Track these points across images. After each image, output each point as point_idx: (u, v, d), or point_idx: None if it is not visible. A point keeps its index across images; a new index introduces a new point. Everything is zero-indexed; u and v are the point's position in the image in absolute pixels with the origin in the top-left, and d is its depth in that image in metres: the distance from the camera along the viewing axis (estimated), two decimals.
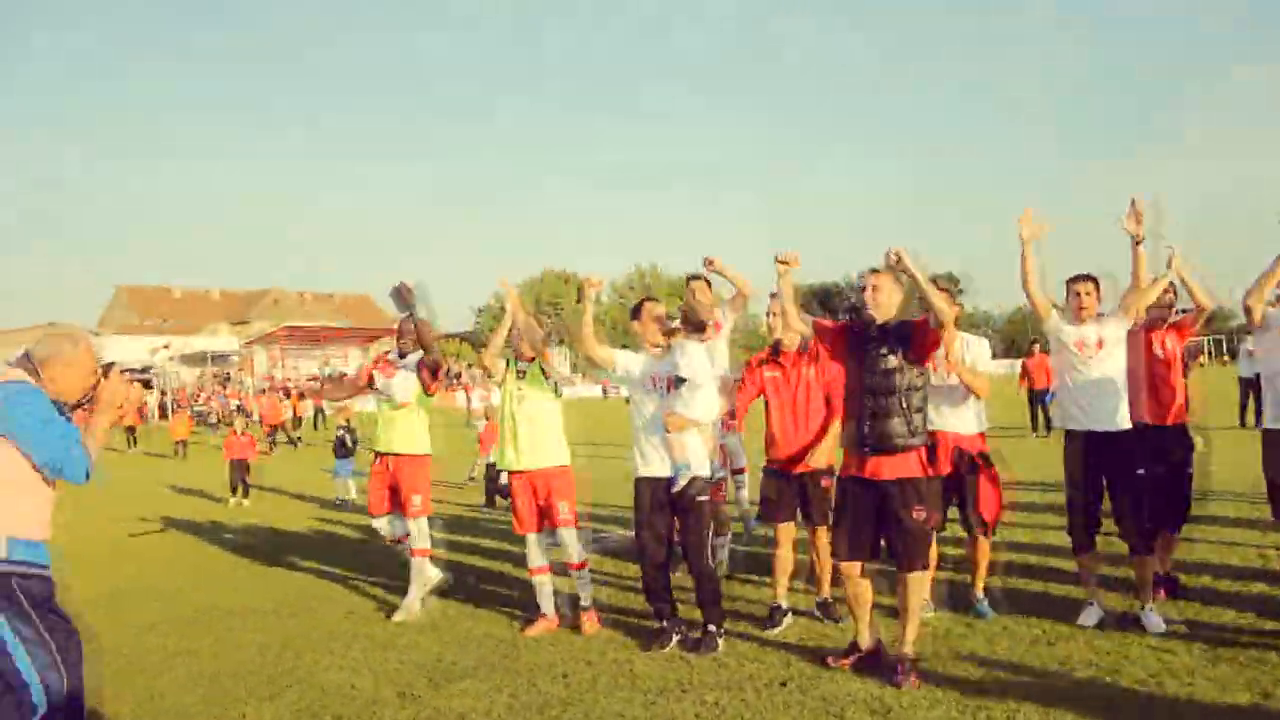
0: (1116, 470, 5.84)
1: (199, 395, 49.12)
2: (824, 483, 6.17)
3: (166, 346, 55.85)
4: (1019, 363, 24.40)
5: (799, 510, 6.33)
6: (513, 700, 5.03)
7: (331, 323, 69.43)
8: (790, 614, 6.25)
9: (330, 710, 5.05)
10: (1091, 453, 5.87)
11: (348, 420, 16.51)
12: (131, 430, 35.26)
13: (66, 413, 3.94)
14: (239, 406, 38.17)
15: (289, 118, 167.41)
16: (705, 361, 5.96)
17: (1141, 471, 5.83)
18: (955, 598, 6.38)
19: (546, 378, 6.60)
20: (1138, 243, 5.68)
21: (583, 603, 6.44)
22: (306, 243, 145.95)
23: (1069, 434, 6.01)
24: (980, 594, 6.23)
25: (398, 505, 7.26)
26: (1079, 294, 5.92)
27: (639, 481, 6.03)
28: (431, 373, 7.20)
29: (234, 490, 16.06)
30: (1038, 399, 19.67)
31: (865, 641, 5.29)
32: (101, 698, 5.46)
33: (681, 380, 5.85)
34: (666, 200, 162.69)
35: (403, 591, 7.23)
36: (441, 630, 6.53)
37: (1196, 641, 5.37)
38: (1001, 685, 4.85)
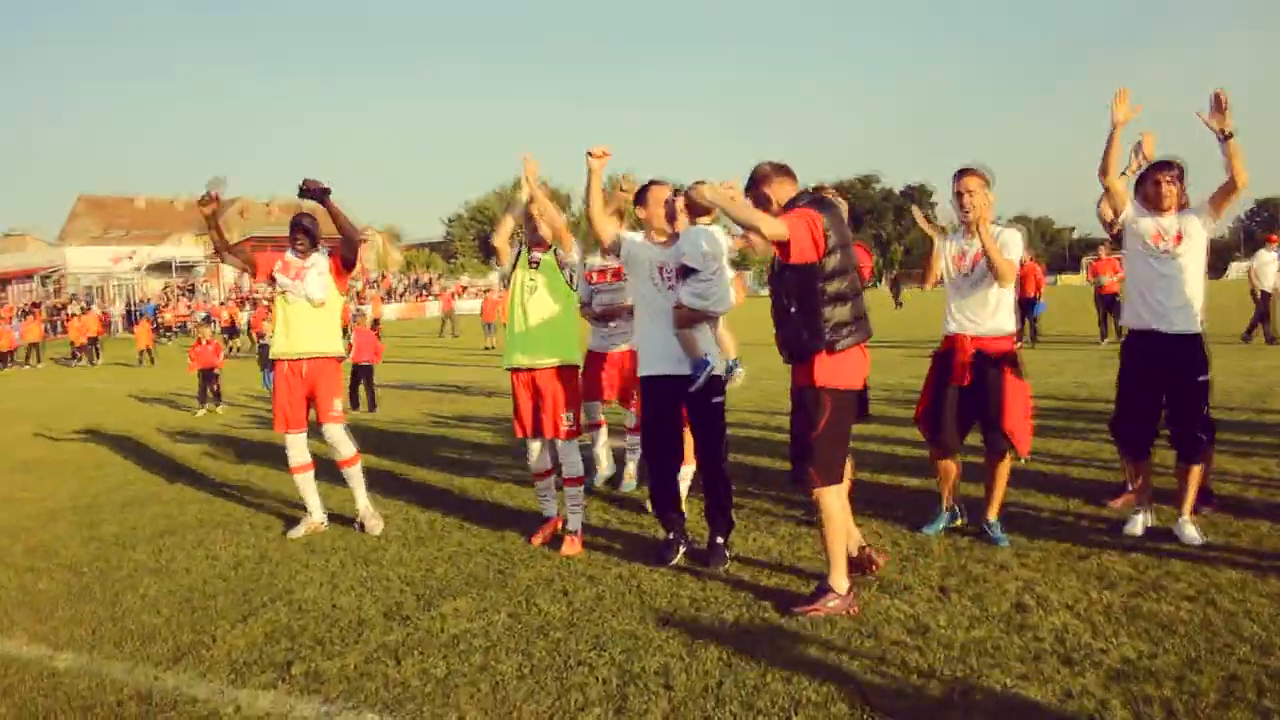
0: (1181, 375, 5.42)
1: (165, 306, 48.06)
2: None
3: (131, 256, 54.53)
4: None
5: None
6: (512, 621, 4.62)
7: (273, 232, 68.03)
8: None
9: (310, 631, 4.63)
10: (1157, 355, 5.45)
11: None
12: (94, 341, 34.49)
13: None
14: (206, 316, 37.34)
15: (256, 26, 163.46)
16: (718, 247, 5.42)
17: (1205, 378, 5.41)
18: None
19: (562, 267, 6.00)
20: (1228, 137, 5.13)
21: (570, 525, 5.98)
22: (271, 151, 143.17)
23: (1133, 334, 5.59)
24: (994, 518, 5.64)
25: (321, 416, 6.58)
26: (1160, 182, 5.44)
27: (646, 381, 5.56)
28: (347, 264, 6.59)
29: (203, 400, 15.52)
30: (1026, 307, 19.43)
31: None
32: (57, 619, 5.04)
33: (691, 270, 5.33)
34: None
35: (383, 506, 6.83)
36: (429, 544, 6.11)
37: (1238, 555, 5.05)
38: (1042, 601, 4.49)
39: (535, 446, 6.11)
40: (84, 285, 51.80)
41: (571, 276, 6.06)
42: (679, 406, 5.48)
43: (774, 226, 4.32)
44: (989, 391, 5.47)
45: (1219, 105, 5.13)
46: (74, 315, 38.67)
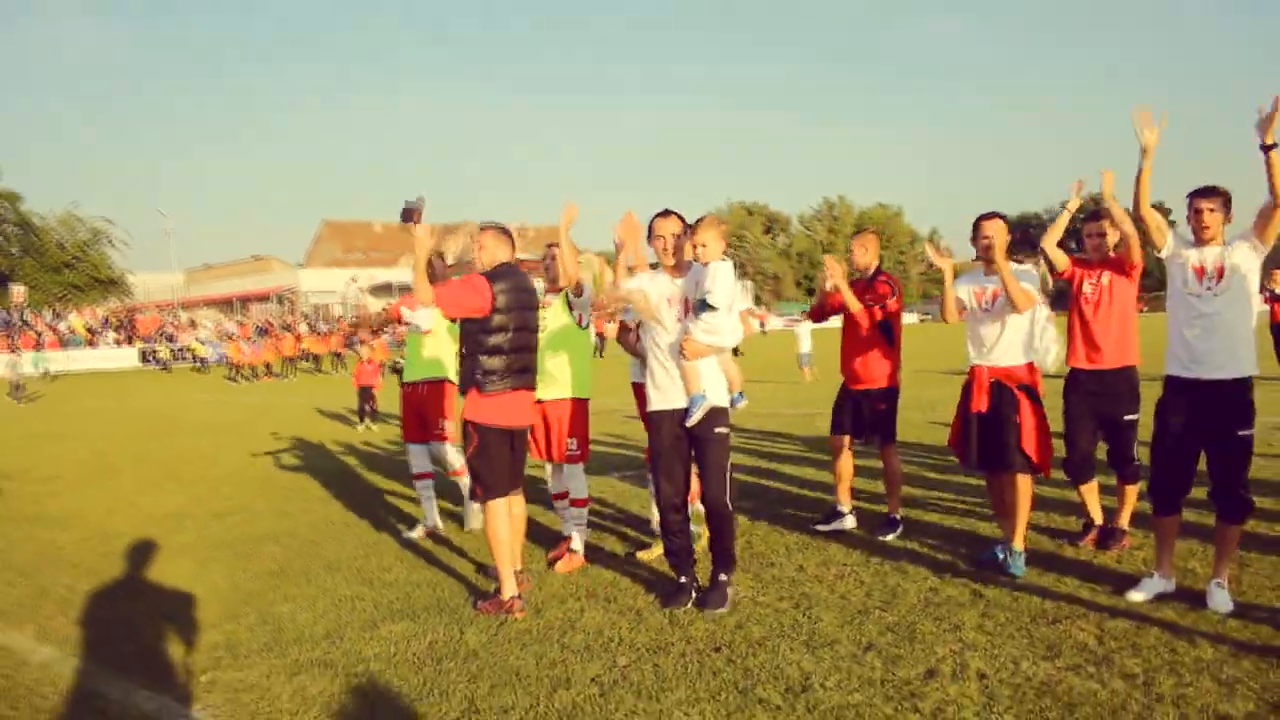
0: (1222, 427, 4.93)
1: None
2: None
3: (354, 280, 58.61)
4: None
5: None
6: (430, 648, 4.76)
7: (523, 255, 70.76)
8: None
9: (246, 644, 4.97)
10: (1195, 404, 4.97)
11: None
12: (339, 355, 37.56)
13: None
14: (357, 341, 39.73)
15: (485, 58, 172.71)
16: (732, 283, 5.28)
17: (1248, 432, 4.90)
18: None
19: (571, 309, 6.33)
20: (1270, 147, 4.57)
21: (573, 544, 6.30)
22: (502, 178, 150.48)
23: (1170, 381, 5.10)
24: (1018, 546, 5.56)
25: (427, 433, 7.45)
26: (1201, 211, 4.94)
27: (655, 415, 5.48)
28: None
29: (362, 416, 16.43)
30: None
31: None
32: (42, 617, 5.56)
33: (704, 305, 5.20)
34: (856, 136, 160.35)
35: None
36: (436, 566, 6.40)
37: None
38: (959, 669, 4.17)
39: (549, 468, 6.60)
40: (313, 304, 56.24)
41: (581, 316, 6.37)
42: (685, 439, 5.36)
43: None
44: (1005, 418, 5.65)
45: (1268, 114, 4.55)
46: (302, 334, 41.90)
